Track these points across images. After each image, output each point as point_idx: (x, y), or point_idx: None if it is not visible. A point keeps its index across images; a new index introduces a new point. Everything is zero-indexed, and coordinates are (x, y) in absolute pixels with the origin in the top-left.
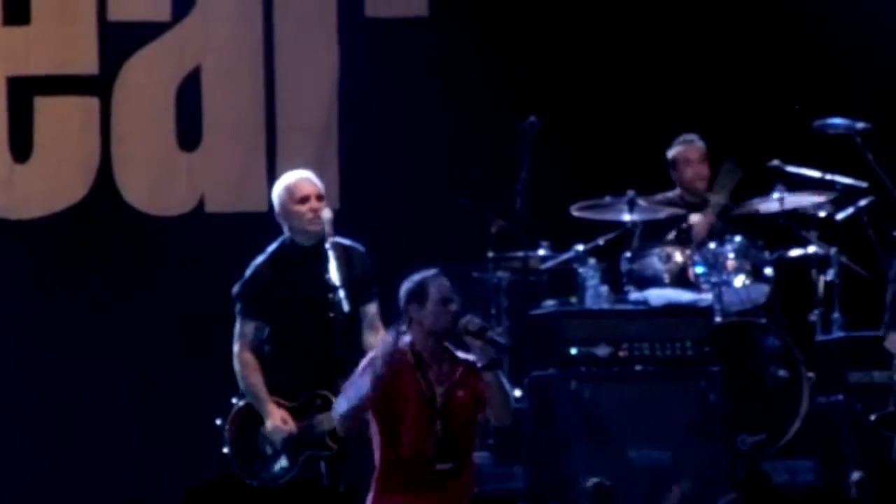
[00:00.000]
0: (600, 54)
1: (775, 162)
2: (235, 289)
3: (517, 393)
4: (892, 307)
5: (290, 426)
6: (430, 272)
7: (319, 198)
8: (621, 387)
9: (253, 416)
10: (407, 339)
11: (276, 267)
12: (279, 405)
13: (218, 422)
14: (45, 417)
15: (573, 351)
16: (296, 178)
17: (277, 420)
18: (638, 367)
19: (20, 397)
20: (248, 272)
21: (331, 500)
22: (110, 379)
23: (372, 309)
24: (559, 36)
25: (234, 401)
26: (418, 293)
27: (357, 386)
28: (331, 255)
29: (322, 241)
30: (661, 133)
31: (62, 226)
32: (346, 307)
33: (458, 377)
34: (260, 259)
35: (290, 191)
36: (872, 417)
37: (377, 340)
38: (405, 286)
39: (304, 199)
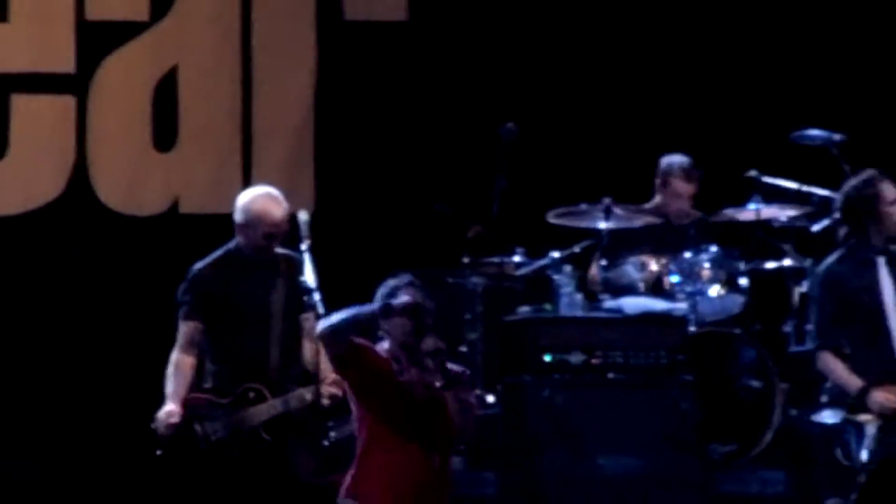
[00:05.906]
0: (578, 62)
1: (752, 172)
2: (178, 293)
3: (490, 399)
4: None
5: (174, 418)
6: (404, 279)
7: (285, 225)
8: (594, 394)
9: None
10: (385, 345)
11: (217, 270)
12: (212, 403)
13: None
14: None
15: (547, 358)
16: (270, 206)
17: (164, 410)
18: (611, 375)
19: None
20: (189, 274)
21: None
22: (75, 375)
23: (312, 319)
24: (537, 43)
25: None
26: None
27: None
28: (306, 258)
29: (269, 256)
30: (639, 141)
31: (36, 224)
32: (321, 309)
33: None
34: (201, 263)
35: (261, 219)
36: None
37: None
38: (379, 291)
39: (269, 236)
